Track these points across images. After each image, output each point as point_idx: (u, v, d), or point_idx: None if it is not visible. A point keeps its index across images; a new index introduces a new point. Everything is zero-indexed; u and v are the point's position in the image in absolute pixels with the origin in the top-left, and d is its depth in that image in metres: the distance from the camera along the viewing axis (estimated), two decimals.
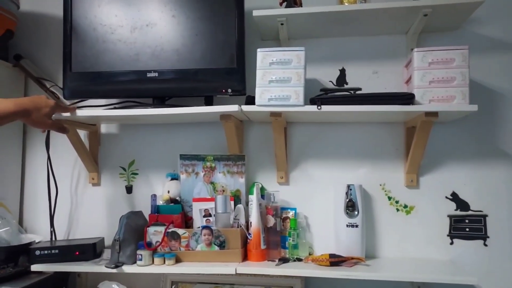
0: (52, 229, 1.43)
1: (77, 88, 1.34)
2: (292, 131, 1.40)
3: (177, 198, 1.34)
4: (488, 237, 1.28)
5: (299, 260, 1.24)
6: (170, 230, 1.22)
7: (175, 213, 1.28)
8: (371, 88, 1.34)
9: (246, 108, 1.20)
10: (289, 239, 1.27)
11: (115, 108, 1.37)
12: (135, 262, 1.20)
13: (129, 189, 1.47)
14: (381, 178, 1.34)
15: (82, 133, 1.47)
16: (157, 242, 1.22)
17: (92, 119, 1.37)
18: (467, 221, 1.29)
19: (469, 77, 1.12)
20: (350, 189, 1.26)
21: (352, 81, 1.38)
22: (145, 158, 1.48)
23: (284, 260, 1.22)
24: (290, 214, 1.34)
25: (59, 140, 1.47)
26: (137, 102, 1.41)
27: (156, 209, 1.31)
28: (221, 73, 1.27)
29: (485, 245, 1.28)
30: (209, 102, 1.34)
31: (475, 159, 1.30)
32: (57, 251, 1.25)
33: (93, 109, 1.37)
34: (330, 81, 1.40)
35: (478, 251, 1.28)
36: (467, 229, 1.29)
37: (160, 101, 1.35)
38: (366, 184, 1.33)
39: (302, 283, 1.27)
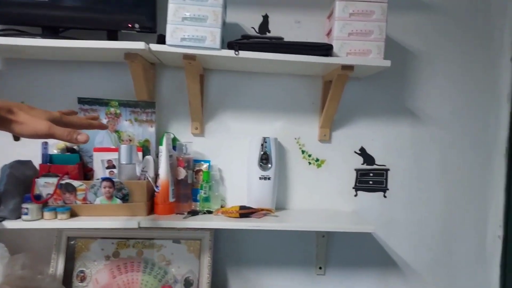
0: None
1: None
2: (208, 79, 1.30)
3: (75, 147, 1.19)
4: (388, 189, 1.37)
5: (210, 212, 1.21)
6: (63, 182, 1.09)
7: (72, 163, 1.14)
8: (293, 38, 1.28)
9: (154, 47, 1.06)
10: (201, 192, 1.22)
11: None
12: (19, 217, 1.05)
13: (16, 136, 1.26)
14: (296, 132, 1.33)
15: None
16: (48, 194, 1.08)
17: None
18: (371, 174, 1.36)
19: (386, 33, 1.12)
20: (266, 142, 1.23)
21: (275, 30, 1.31)
22: (36, 100, 1.26)
23: (193, 213, 1.18)
24: (204, 166, 1.29)
25: None
26: (22, 31, 1.17)
27: (48, 159, 1.15)
28: (128, 4, 1.11)
29: (385, 196, 1.37)
30: (112, 38, 1.16)
31: (384, 116, 1.35)
32: None
33: None
34: (252, 27, 1.31)
35: (378, 202, 1.37)
36: (371, 182, 1.36)
37: (53, 31, 1.14)
38: (281, 138, 1.32)
39: (211, 235, 1.25)
